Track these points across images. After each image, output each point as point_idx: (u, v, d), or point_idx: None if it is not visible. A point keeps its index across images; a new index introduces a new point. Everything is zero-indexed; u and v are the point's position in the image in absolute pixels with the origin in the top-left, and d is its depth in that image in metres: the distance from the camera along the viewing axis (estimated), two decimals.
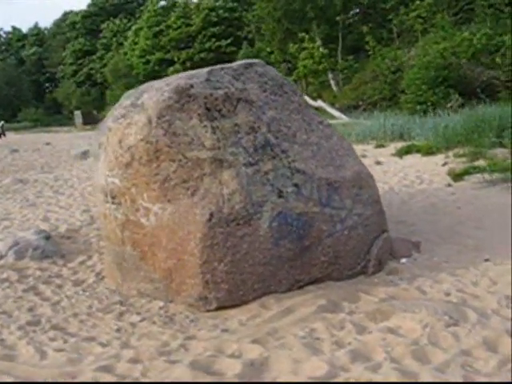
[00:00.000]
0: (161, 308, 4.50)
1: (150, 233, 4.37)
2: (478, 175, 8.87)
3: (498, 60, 18.61)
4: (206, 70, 4.63)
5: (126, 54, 47.87)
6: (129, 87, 45.51)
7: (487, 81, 19.38)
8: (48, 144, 25.63)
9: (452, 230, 6.25)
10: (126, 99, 4.50)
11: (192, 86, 4.28)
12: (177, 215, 4.20)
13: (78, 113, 48.83)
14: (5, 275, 5.51)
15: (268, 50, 31.46)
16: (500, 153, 10.28)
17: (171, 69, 43.79)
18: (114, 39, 54.08)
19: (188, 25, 44.51)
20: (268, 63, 5.47)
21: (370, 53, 28.15)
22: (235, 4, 45.31)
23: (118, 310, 4.53)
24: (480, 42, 18.87)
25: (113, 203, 4.50)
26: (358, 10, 29.45)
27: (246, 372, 3.27)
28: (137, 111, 4.23)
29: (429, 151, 12.15)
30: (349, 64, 28.64)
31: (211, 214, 4.15)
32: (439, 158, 11.41)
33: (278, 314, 4.18)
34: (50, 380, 3.32)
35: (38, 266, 5.82)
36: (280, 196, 4.35)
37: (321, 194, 4.57)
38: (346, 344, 3.60)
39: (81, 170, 14.68)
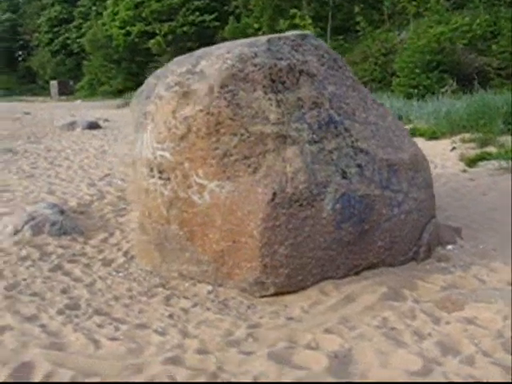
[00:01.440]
0: (210, 292, 4.19)
1: (202, 212, 4.03)
2: (493, 161, 8.77)
3: (494, 47, 18.56)
4: (264, 38, 4.25)
5: (104, 24, 46.20)
6: (108, 58, 44.34)
7: (479, 67, 19.35)
8: (28, 114, 24.58)
9: (485, 216, 6.09)
10: (178, 66, 4.10)
11: (256, 55, 3.91)
12: (236, 193, 3.87)
13: (54, 83, 47.09)
14: (24, 252, 5.09)
15: (256, 26, 30.78)
16: (509, 140, 10.20)
17: (152, 41, 42.66)
18: (93, 8, 52.13)
19: None
20: None
21: (360, 33, 27.83)
22: None
23: (162, 293, 4.19)
24: (480, 28, 18.76)
25: (160, 178, 4.13)
26: None
27: (333, 365, 3.02)
28: (196, 79, 3.85)
29: (433, 135, 12.01)
30: (339, 44, 28.21)
31: (274, 194, 3.83)
32: (445, 143, 11.27)
33: (341, 301, 3.93)
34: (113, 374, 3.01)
35: (57, 242, 5.41)
36: (344, 177, 4.06)
37: (381, 175, 4.30)
38: (426, 335, 3.39)
39: (71, 142, 14.06)
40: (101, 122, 18.47)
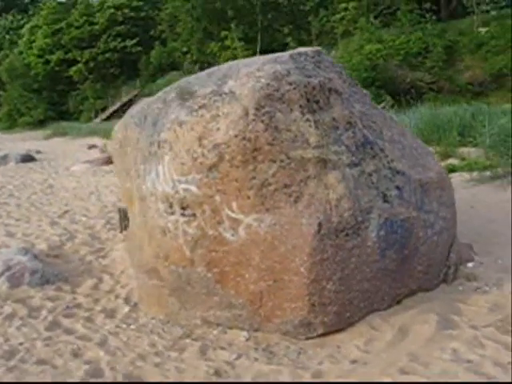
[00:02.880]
0: (247, 339, 3.71)
1: (236, 250, 3.57)
2: (463, 173, 8.89)
3: (427, 63, 19.40)
4: (286, 54, 3.90)
5: (21, 52, 43.98)
6: (27, 88, 42.08)
7: (412, 82, 20.13)
8: None
9: (487, 229, 6.04)
10: (199, 86, 3.64)
11: (289, 73, 3.55)
12: (277, 227, 3.45)
13: None
14: (8, 309, 4.35)
15: (184, 49, 30.42)
16: (467, 152, 10.47)
17: (73, 69, 41.13)
18: (7, 37, 49.60)
19: (91, 23, 41.87)
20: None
21: None
22: (141, 2, 43.44)
23: (192, 345, 3.65)
24: (414, 45, 19.55)
25: (183, 215, 3.62)
26: (276, 12, 29.46)
27: None
28: (226, 101, 3.41)
29: None
30: None
31: (319, 224, 3.46)
32: None
33: (396, 335, 3.58)
34: None
35: (42, 294, 4.69)
36: (385, 201, 3.76)
37: (416, 196, 4.06)
38: (506, 364, 3.12)
39: (8, 177, 12.93)
40: (34, 154, 17.24)
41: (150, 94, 40.49)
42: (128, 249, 5.42)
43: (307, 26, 29.15)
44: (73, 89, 42.11)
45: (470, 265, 4.94)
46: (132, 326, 4.03)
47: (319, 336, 3.66)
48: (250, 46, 29.77)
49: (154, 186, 3.76)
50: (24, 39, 44.80)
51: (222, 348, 3.60)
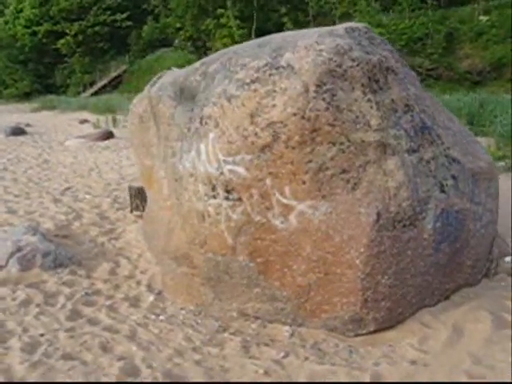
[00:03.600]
0: (292, 335, 3.43)
1: (284, 238, 3.27)
2: None
3: (427, 49, 19.13)
4: (340, 27, 3.56)
5: (7, 22, 42.51)
6: (12, 60, 40.84)
7: (412, 68, 19.85)
8: None
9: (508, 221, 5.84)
10: (252, 58, 3.27)
11: (351, 48, 3.23)
12: (333, 216, 3.15)
13: None
14: (22, 295, 4.00)
15: (178, 25, 29.62)
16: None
17: (61, 41, 39.94)
18: None
19: None
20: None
21: None
22: None
23: (232, 340, 3.35)
24: (418, 30, 19.24)
25: (227, 199, 3.30)
26: None
27: None
28: (283, 75, 3.08)
29: None
30: None
31: (378, 214, 3.17)
32: None
33: (451, 334, 3.34)
34: None
35: (56, 278, 4.35)
36: (442, 190, 3.49)
37: (468, 187, 3.80)
38: None
39: (0, 150, 12.39)
40: (23, 127, 16.63)
41: (139, 70, 39.70)
42: (146, 231, 5.10)
43: (304, 7, 28.60)
44: (60, 62, 40.96)
45: (507, 259, 4.73)
46: (161, 317, 3.72)
47: (369, 333, 3.41)
48: (246, 24, 29.14)
49: (194, 166, 3.42)
50: (11, 8, 43.34)
51: (266, 344, 3.32)
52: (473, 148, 4.13)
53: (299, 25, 28.47)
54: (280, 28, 29.37)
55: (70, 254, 4.79)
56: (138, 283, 4.35)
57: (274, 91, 3.08)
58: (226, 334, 3.46)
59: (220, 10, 25.88)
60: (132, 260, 4.86)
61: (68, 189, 7.77)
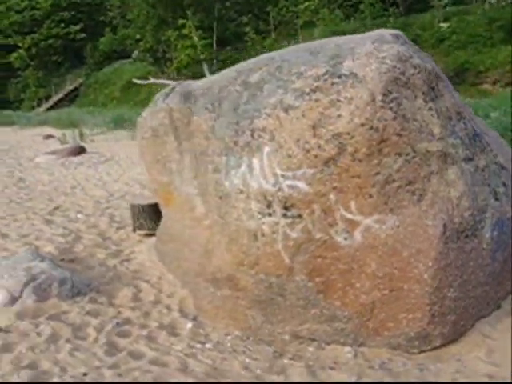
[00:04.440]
0: (355, 356, 3.25)
1: (347, 255, 3.09)
2: None
3: None
4: (385, 32, 3.42)
5: None
6: None
7: None
8: None
9: None
10: (308, 66, 3.08)
11: (411, 55, 3.10)
12: (401, 229, 3.00)
13: None
14: (47, 329, 3.64)
15: (138, 36, 29.06)
16: None
17: (14, 55, 38.62)
18: None
19: (33, 8, 39.39)
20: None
21: (248, 44, 27.70)
22: None
23: (293, 366, 3.13)
24: None
25: (285, 216, 3.09)
26: (235, 0, 28.71)
27: None
28: (348, 84, 2.91)
29: None
30: (227, 55, 27.83)
31: (444, 226, 3.04)
32: None
33: None
34: None
35: (79, 308, 4.01)
36: (496, 198, 3.40)
37: None
38: None
39: None
40: None
41: (96, 83, 38.79)
42: (163, 252, 4.83)
43: (265, 16, 28.72)
44: (13, 76, 39.56)
45: None
46: (208, 345, 3.46)
47: (433, 349, 3.27)
48: (206, 34, 28.98)
49: (245, 182, 3.20)
50: None
51: (331, 368, 3.12)
52: (503, 151, 4.08)
53: (261, 34, 28.61)
54: (240, 37, 29.42)
55: (86, 280, 4.45)
56: (169, 308, 4.07)
57: (339, 101, 2.91)
58: (285, 360, 3.24)
59: (181, 21, 25.56)
60: (153, 283, 4.56)
61: (56, 208, 7.33)
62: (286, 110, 3.02)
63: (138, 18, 27.96)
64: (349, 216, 3.01)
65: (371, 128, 2.88)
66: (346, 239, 3.06)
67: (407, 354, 3.24)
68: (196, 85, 4.10)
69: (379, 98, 2.89)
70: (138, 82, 24.86)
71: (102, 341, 3.51)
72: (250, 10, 28.46)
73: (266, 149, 3.09)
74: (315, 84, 2.97)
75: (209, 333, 3.66)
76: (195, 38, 26.80)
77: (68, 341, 3.50)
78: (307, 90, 2.98)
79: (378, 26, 21.70)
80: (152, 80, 25.53)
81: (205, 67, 29.41)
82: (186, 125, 3.89)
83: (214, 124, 3.45)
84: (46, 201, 7.93)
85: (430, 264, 3.03)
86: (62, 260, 5.10)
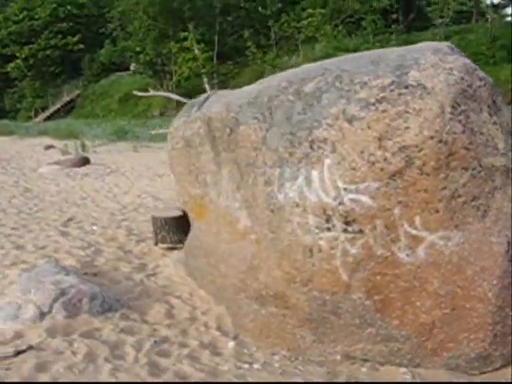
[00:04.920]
0: (413, 377, 3.10)
1: (409, 273, 2.96)
2: None
3: None
4: (443, 45, 3.32)
5: None
6: None
7: None
8: None
9: None
10: (372, 76, 2.96)
11: (476, 67, 3.01)
12: (466, 246, 2.88)
13: None
14: (82, 347, 3.45)
15: (138, 49, 29.00)
16: None
17: (11, 65, 38.51)
18: None
19: (32, 18, 39.36)
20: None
21: (249, 58, 27.79)
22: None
23: None
24: None
25: (345, 231, 2.96)
26: (236, 15, 28.81)
27: None
28: (417, 95, 2.80)
29: None
30: (228, 68, 27.89)
31: (508, 243, 2.94)
32: None
33: None
34: None
35: (112, 325, 3.83)
36: None
37: None
38: None
39: None
40: None
41: (93, 94, 38.68)
42: (193, 266, 4.68)
43: (266, 31, 28.85)
44: (9, 86, 39.41)
45: None
46: (255, 366, 3.30)
47: (493, 370, 3.13)
48: (208, 48, 29.07)
49: (302, 195, 3.07)
50: None
51: None
52: None
53: (261, 48, 28.74)
54: (241, 52, 29.51)
55: (117, 295, 4.28)
56: (206, 326, 3.90)
57: (407, 112, 2.80)
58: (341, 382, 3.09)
59: (183, 34, 25.60)
60: (184, 299, 4.39)
61: (70, 220, 7.15)
62: (349, 121, 2.91)
63: (139, 30, 27.96)
64: (413, 232, 2.88)
65: (440, 141, 2.77)
66: (408, 256, 2.93)
67: (466, 375, 3.10)
68: (238, 94, 3.99)
69: (448, 110, 2.78)
70: (139, 93, 24.78)
71: (142, 361, 3.33)
72: (251, 24, 28.56)
73: (327, 161, 2.96)
74: (381, 94, 2.86)
75: (253, 352, 3.50)
76: (196, 51, 26.86)
77: (107, 360, 3.32)
78: (372, 100, 2.87)
79: (381, 43, 21.89)
80: (152, 92, 25.50)
81: (205, 80, 29.46)
82: (228, 135, 3.77)
83: (265, 134, 3.33)
84: (57, 212, 7.74)
85: (495, 282, 2.91)
86: (86, 274, 4.92)
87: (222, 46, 29.40)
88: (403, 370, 3.17)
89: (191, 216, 4.69)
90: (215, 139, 4.05)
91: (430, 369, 3.15)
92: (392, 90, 2.85)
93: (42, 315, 3.84)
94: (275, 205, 3.24)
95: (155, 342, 3.60)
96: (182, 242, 5.79)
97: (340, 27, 23.71)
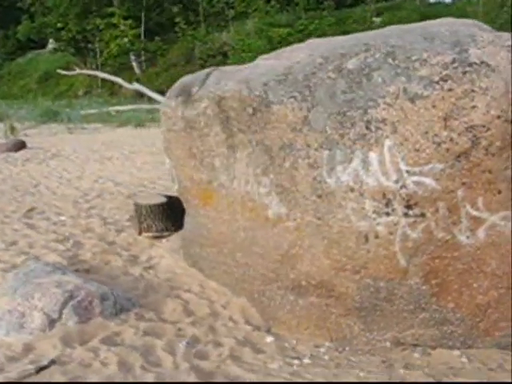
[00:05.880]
0: (469, 360, 3.06)
1: (467, 255, 2.88)
2: None
3: None
4: (471, 22, 3.25)
5: None
6: None
7: None
8: None
9: None
10: (429, 53, 2.80)
11: None
12: None
13: None
14: (111, 356, 3.09)
15: (60, 25, 27.08)
16: None
17: None
18: None
19: None
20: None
21: (179, 34, 26.94)
22: None
23: (411, 376, 2.91)
24: (329, 29, 19.66)
25: (406, 216, 2.83)
26: None
27: None
28: (482, 73, 2.68)
29: None
30: (156, 45, 26.84)
31: None
32: None
33: None
34: None
35: (132, 328, 3.49)
36: None
37: None
38: None
39: None
40: None
41: (9, 74, 36.02)
42: (200, 256, 4.41)
43: (195, 7, 28.04)
44: None
45: None
46: (306, 361, 3.12)
47: None
48: (135, 24, 27.80)
49: (358, 179, 2.89)
50: None
51: (455, 375, 2.92)
52: None
53: (190, 24, 27.92)
54: (169, 28, 28.52)
55: (126, 294, 3.93)
56: (233, 321, 3.67)
57: (473, 91, 2.68)
58: (400, 370, 2.98)
59: (110, 9, 24.27)
60: (197, 293, 4.11)
61: (31, 210, 6.54)
62: (411, 100, 2.75)
63: (60, 4, 26.14)
64: (474, 213, 2.80)
65: (506, 120, 2.69)
66: (468, 238, 2.85)
67: None
68: (254, 71, 3.70)
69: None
70: (64, 72, 23.39)
71: (183, 365, 3.05)
72: (179, 0, 27.61)
73: (388, 142, 2.80)
74: (444, 72, 2.72)
75: (295, 346, 3.33)
76: (123, 28, 25.61)
77: (144, 369, 3.01)
78: (436, 78, 2.73)
79: (314, 19, 21.97)
80: (78, 71, 24.16)
81: (132, 58, 28.27)
82: (250, 115, 3.50)
83: (306, 114, 3.10)
84: (12, 202, 7.06)
85: None
86: (77, 270, 4.50)
87: (148, 22, 28.22)
88: (456, 352, 3.12)
89: (194, 202, 4.38)
90: (229, 120, 3.77)
91: (482, 349, 3.13)
92: (455, 68, 2.72)
93: (52, 323, 3.45)
94: (323, 190, 3.04)
95: (187, 343, 3.32)
96: (168, 229, 5.47)
97: (272, 2, 23.47)
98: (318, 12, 22.28)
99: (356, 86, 2.97)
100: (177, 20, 26.06)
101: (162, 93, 24.24)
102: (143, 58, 28.46)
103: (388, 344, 3.20)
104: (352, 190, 2.93)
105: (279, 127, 3.27)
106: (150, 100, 22.69)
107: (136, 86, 24.05)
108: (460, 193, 2.77)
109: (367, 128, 2.87)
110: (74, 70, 24.01)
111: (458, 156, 2.73)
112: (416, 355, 3.15)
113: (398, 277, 2.98)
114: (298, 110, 3.14)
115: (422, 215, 2.83)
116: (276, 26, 21.46)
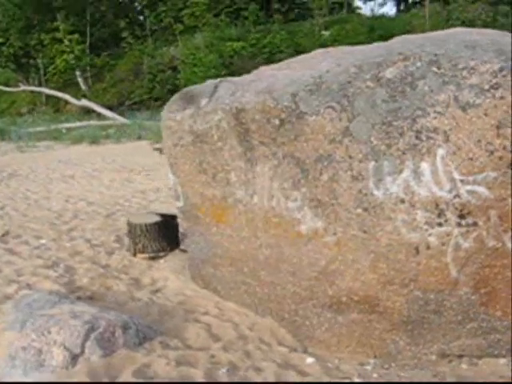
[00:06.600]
0: None
1: None
2: None
3: None
4: (488, 31, 3.29)
5: None
6: None
7: None
8: None
9: None
10: (477, 61, 2.78)
11: None
12: None
13: None
14: None
15: (0, 40, 25.81)
16: None
17: None
18: None
19: None
20: None
21: (126, 49, 26.45)
22: None
23: None
24: (281, 43, 19.82)
25: (459, 225, 2.78)
26: (108, 4, 26.94)
27: None
28: None
29: None
30: (104, 61, 26.18)
31: None
32: None
33: None
34: None
35: (162, 359, 3.24)
36: None
37: None
38: None
39: None
40: None
41: None
42: (214, 276, 4.22)
43: (141, 22, 27.63)
44: None
45: None
46: (356, 380, 3.01)
47: None
48: (80, 39, 27.06)
49: (409, 190, 2.82)
50: None
51: None
52: None
53: (138, 39, 27.51)
54: (115, 43, 27.97)
55: (145, 321, 3.68)
56: (265, 343, 3.49)
57: None
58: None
59: (55, 24, 23.48)
60: (216, 315, 3.92)
61: (5, 235, 6.10)
62: (463, 108, 2.72)
63: (2, 19, 25.00)
64: None
65: None
66: None
67: None
68: (275, 80, 3.58)
69: None
70: (7, 89, 22.31)
71: None
72: (126, 14, 27.10)
73: (440, 151, 2.75)
74: (494, 80, 2.71)
75: (338, 366, 3.20)
76: (67, 43, 24.83)
77: None
78: (486, 86, 2.71)
79: (264, 33, 22.16)
80: (23, 87, 23.19)
81: (78, 74, 27.48)
82: (276, 127, 3.38)
83: (347, 125, 3.01)
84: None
85: None
86: (79, 298, 4.20)
87: (93, 36, 27.52)
88: (503, 360, 3.10)
89: (204, 220, 4.19)
90: (248, 133, 3.63)
91: None
92: (504, 76, 2.72)
93: (74, 358, 3.16)
94: (370, 202, 2.95)
95: (228, 370, 3.13)
96: (163, 250, 5.25)
97: (222, 16, 23.46)
98: (268, 26, 22.49)
99: (400, 96, 2.91)
100: (124, 35, 25.55)
101: (111, 108, 23.75)
102: (89, 73, 27.69)
103: (434, 357, 3.14)
104: (402, 201, 2.86)
105: (315, 139, 3.16)
106: (100, 116, 22.10)
107: (84, 102, 23.41)
108: (510, 201, 2.76)
109: (417, 138, 2.81)
110: (18, 86, 22.98)
111: (510, 164, 2.72)
112: (464, 366, 3.10)
113: (449, 288, 2.93)
114: (338, 121, 3.05)
115: (475, 224, 2.80)
116: (227, 40, 21.47)
